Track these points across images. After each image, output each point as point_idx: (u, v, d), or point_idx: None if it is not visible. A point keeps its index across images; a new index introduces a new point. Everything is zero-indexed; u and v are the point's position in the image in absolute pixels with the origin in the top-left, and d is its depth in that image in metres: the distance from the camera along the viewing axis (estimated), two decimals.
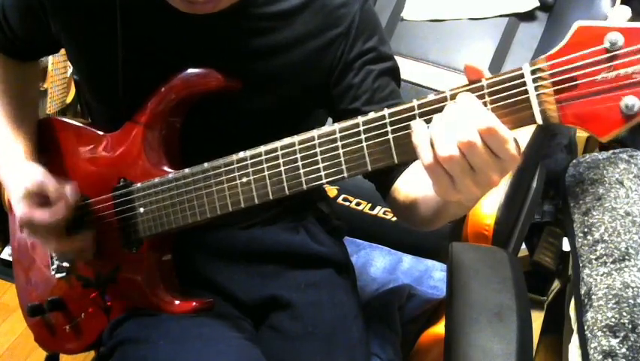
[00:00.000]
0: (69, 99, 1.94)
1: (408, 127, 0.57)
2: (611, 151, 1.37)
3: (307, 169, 0.63)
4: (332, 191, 1.29)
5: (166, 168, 0.79)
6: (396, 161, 0.60)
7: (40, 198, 0.82)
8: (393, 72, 0.84)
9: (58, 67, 1.81)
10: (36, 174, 0.81)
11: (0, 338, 1.69)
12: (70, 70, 1.87)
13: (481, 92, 0.53)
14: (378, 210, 1.28)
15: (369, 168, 0.61)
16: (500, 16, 1.42)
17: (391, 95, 0.81)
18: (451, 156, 0.52)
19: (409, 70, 1.39)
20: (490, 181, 0.55)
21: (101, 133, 0.86)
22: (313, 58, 0.79)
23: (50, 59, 1.74)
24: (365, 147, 0.61)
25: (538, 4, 1.40)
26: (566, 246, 1.58)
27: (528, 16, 1.41)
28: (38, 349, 0.99)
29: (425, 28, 1.45)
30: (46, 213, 0.79)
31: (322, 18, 0.78)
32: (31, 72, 0.97)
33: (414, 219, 0.79)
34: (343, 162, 0.62)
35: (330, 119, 0.95)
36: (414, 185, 0.77)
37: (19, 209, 0.80)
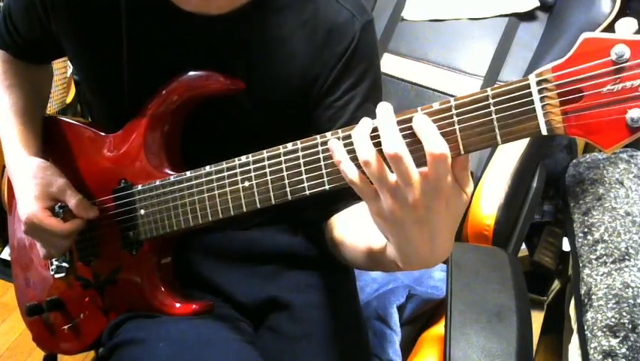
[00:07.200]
0: (69, 99, 1.94)
1: (409, 136, 0.56)
2: None
3: (310, 175, 0.62)
4: None
5: (167, 170, 0.79)
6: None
7: (54, 202, 0.83)
8: (376, 101, 0.83)
9: (58, 67, 1.81)
10: (60, 181, 0.83)
11: (0, 338, 1.70)
12: (70, 70, 1.87)
13: (487, 102, 0.53)
14: None
15: None
16: (500, 16, 1.42)
17: None
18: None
19: (409, 70, 1.39)
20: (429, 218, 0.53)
21: (102, 134, 0.86)
22: (310, 70, 0.79)
23: None
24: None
25: (538, 4, 1.40)
26: (566, 246, 1.59)
27: (528, 16, 1.41)
28: (39, 349, 0.99)
29: (425, 28, 1.44)
30: (61, 225, 0.81)
31: (323, 34, 0.78)
32: (42, 73, 0.97)
33: (341, 257, 0.79)
34: None
35: None
36: (350, 228, 0.75)
37: (30, 208, 0.81)
